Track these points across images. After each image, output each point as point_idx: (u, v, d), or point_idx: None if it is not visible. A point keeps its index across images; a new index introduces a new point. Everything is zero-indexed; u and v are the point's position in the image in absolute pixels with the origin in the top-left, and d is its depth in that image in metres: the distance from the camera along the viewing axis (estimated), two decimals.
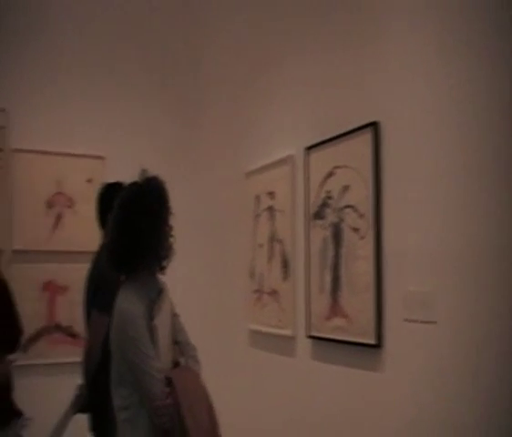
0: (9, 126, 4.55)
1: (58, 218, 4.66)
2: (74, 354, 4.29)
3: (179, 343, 2.64)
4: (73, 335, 4.58)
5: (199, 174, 5.10)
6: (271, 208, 3.92)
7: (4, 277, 3.74)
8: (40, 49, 4.68)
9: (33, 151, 4.59)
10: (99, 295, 3.44)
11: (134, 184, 2.55)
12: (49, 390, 4.39)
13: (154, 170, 2.62)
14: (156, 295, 2.55)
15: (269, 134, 4.03)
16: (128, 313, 2.39)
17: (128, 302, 2.42)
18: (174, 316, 2.69)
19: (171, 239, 2.56)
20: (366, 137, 2.93)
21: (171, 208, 2.57)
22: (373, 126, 2.89)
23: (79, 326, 4.22)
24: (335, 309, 3.18)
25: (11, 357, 3.56)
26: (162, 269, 2.59)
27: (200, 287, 4.98)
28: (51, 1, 4.75)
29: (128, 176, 2.57)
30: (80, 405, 3.64)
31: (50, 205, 4.65)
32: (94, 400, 3.56)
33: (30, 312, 4.33)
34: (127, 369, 2.40)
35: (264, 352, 4.09)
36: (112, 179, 3.70)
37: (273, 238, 3.89)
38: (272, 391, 3.96)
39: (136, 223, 2.45)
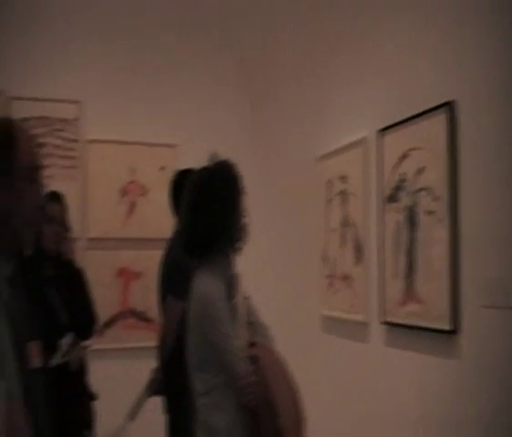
0: (84, 117, 4.68)
1: (132, 205, 4.77)
2: (147, 339, 4.39)
3: (253, 324, 2.64)
4: (147, 320, 4.69)
5: (270, 159, 5.10)
6: (343, 193, 3.88)
7: (79, 265, 3.85)
8: (112, 42, 4.79)
9: (107, 141, 4.71)
10: (174, 281, 3.50)
11: (204, 168, 2.56)
12: (124, 373, 4.50)
13: (226, 156, 2.63)
14: (231, 277, 2.55)
15: (341, 117, 3.98)
16: (207, 295, 2.40)
17: (206, 285, 2.43)
18: (245, 298, 2.69)
19: (245, 220, 2.56)
20: (442, 116, 2.85)
21: (243, 189, 2.57)
22: (449, 105, 2.81)
23: (153, 311, 4.32)
24: (410, 294, 3.12)
25: (85, 343, 3.65)
26: (237, 250, 2.59)
27: (273, 272, 4.99)
28: None
29: (199, 163, 2.59)
30: (155, 388, 3.72)
31: (124, 193, 4.76)
32: (168, 383, 3.63)
33: (105, 298, 4.46)
34: (208, 352, 2.39)
35: (337, 338, 4.06)
36: (184, 167, 3.75)
37: (346, 223, 3.85)
38: (345, 376, 3.93)
39: (207, 207, 2.45)
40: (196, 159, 2.71)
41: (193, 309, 2.46)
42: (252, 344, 2.52)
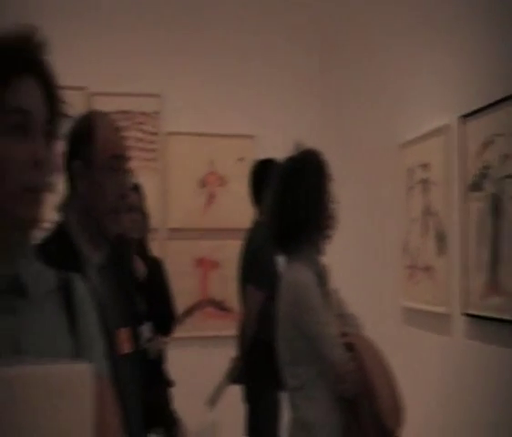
0: (163, 110, 4.78)
1: (211, 196, 4.84)
2: (226, 328, 4.45)
3: (342, 315, 2.61)
4: (225, 309, 4.75)
5: (349, 147, 5.04)
6: (425, 181, 3.80)
7: (158, 256, 3.91)
8: (190, 35, 4.86)
9: (186, 133, 4.79)
10: (254, 271, 3.54)
11: (290, 158, 2.54)
12: (202, 361, 4.56)
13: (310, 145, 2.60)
14: (320, 266, 2.52)
15: (422, 103, 3.90)
16: (299, 284, 2.38)
17: (297, 273, 2.41)
18: (334, 290, 2.65)
19: (333, 207, 2.53)
20: None
21: (331, 176, 2.54)
22: None
23: (231, 301, 4.38)
24: (494, 285, 3.03)
25: (164, 339, 3.68)
26: (326, 238, 2.54)
27: (351, 262, 4.94)
28: None
29: (277, 153, 2.59)
30: (235, 377, 3.77)
31: (203, 184, 4.83)
32: (248, 372, 3.67)
33: (184, 287, 4.54)
34: (301, 343, 2.36)
35: (417, 330, 3.98)
36: (263, 157, 3.77)
37: (427, 212, 3.77)
38: (425, 369, 3.86)
39: (296, 195, 2.43)
40: (273, 150, 2.72)
41: (284, 300, 2.44)
42: (345, 334, 2.47)
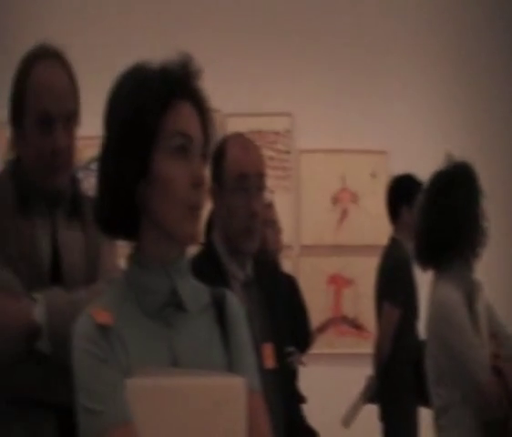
0: (295, 129, 4.84)
1: (344, 213, 4.82)
2: (359, 346, 4.42)
3: (497, 335, 2.49)
4: (358, 327, 4.71)
5: (489, 160, 4.84)
6: None
7: (291, 274, 3.90)
8: (319, 53, 4.89)
9: (317, 150, 4.82)
10: (391, 288, 3.50)
11: (439, 172, 2.45)
12: (336, 378, 4.52)
13: (437, 160, 2.52)
14: (471, 284, 2.43)
15: None
16: (449, 303, 2.31)
17: (445, 292, 2.34)
18: (488, 307, 2.54)
19: (485, 224, 2.42)
20: None
21: (483, 191, 2.45)
22: None
23: (364, 318, 4.34)
24: None
25: (302, 360, 3.66)
26: (476, 255, 2.43)
27: (491, 281, 4.73)
28: None
29: (409, 168, 2.53)
30: (371, 395, 3.72)
31: (335, 201, 4.83)
32: (384, 391, 3.61)
33: (317, 304, 4.52)
34: (447, 364, 2.30)
35: None
36: (395, 173, 3.73)
37: None
38: None
39: (449, 210, 2.35)
40: (406, 165, 2.66)
41: (431, 318, 2.39)
42: (497, 356, 2.37)
